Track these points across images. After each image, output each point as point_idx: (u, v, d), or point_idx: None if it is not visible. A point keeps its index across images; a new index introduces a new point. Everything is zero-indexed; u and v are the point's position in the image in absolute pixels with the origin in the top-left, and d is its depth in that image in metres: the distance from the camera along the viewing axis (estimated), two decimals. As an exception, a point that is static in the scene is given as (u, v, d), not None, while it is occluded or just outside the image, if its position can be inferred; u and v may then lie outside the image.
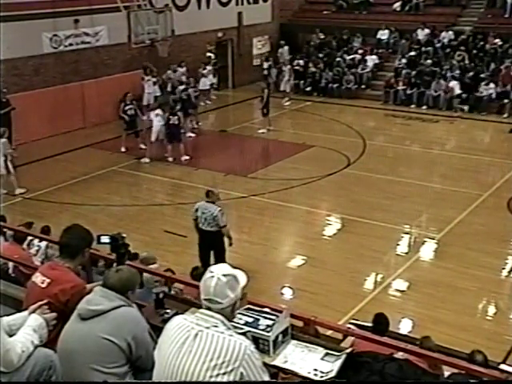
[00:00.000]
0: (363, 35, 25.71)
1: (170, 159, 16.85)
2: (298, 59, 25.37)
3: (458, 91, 21.72)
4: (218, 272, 3.08)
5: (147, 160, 16.84)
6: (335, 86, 24.17)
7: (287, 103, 22.94)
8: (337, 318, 8.72)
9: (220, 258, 9.96)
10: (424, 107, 22.33)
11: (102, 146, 18.35)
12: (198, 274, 8.19)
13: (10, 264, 7.87)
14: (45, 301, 3.75)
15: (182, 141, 16.89)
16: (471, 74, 22.11)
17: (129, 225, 12.73)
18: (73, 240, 4.09)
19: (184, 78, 20.90)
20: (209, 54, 23.84)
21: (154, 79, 20.88)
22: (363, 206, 13.83)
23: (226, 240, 10.26)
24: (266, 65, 25.36)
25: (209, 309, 3.05)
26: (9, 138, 17.88)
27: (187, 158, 16.90)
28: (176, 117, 16.57)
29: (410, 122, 21.09)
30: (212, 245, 10.19)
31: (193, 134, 18.94)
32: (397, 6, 26.43)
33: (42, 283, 3.95)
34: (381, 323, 6.63)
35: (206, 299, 3.06)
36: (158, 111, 17.04)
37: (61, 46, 19.36)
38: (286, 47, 26.19)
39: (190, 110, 18.99)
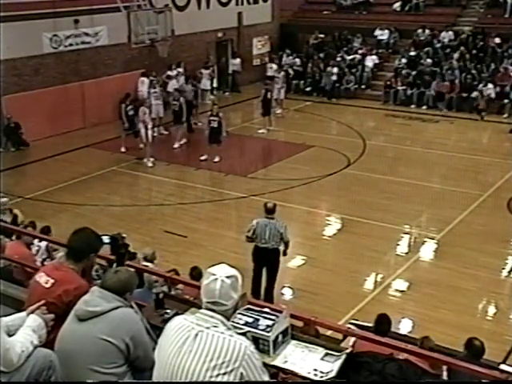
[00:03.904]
0: (363, 35, 25.71)
1: (203, 158, 16.87)
2: (295, 58, 25.32)
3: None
4: (220, 274, 3.04)
5: (150, 164, 16.71)
6: (335, 85, 24.16)
7: (279, 111, 21.66)
8: (337, 318, 8.72)
9: (272, 276, 9.77)
10: (424, 107, 22.32)
11: (102, 146, 18.34)
12: (197, 273, 8.22)
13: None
14: (43, 301, 3.74)
15: (221, 143, 16.74)
16: (471, 73, 22.13)
17: (129, 225, 12.70)
18: (80, 244, 4.08)
19: (180, 82, 20.94)
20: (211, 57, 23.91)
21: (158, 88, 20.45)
22: (363, 206, 13.83)
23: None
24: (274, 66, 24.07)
25: (212, 311, 3.03)
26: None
27: (219, 159, 16.82)
28: (216, 119, 16.56)
29: (410, 122, 21.09)
30: (268, 262, 9.78)
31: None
32: (397, 6, 26.43)
33: (46, 283, 3.94)
34: (383, 323, 6.63)
35: (209, 302, 3.03)
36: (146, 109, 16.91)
37: (61, 46, 19.35)
38: (290, 57, 25.78)
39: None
